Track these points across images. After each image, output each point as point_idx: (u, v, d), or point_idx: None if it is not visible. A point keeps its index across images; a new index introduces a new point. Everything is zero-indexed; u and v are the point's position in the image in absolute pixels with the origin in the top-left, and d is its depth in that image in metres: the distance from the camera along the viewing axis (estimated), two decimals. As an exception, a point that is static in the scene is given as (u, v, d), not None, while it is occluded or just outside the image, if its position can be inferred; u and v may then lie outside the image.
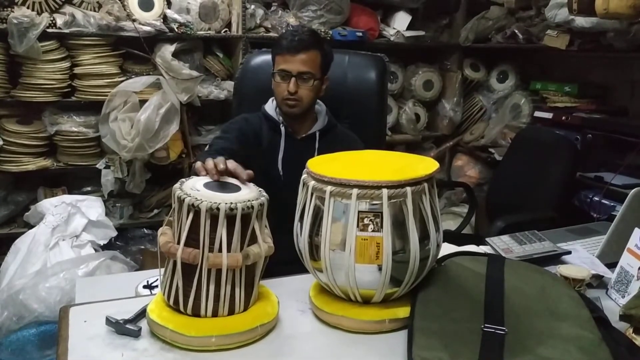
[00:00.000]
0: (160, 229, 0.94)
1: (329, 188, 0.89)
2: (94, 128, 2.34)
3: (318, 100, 1.49)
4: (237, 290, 0.89)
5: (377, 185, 0.87)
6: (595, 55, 2.55)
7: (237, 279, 0.89)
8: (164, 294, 0.93)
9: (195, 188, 0.91)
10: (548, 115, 2.53)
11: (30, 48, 2.14)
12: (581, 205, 2.18)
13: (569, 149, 2.12)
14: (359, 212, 0.87)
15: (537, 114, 2.63)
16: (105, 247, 2.15)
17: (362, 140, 1.50)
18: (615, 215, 1.23)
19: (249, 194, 0.92)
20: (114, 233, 2.22)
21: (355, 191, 0.87)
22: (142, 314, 0.94)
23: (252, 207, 0.87)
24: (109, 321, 0.90)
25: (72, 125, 2.30)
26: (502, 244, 1.29)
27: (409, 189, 0.87)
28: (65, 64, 2.28)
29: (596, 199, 2.10)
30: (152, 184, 2.54)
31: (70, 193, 2.37)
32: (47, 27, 2.17)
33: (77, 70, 2.30)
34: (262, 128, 1.46)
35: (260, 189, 0.96)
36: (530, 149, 2.25)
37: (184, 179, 0.95)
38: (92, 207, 2.13)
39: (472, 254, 1.12)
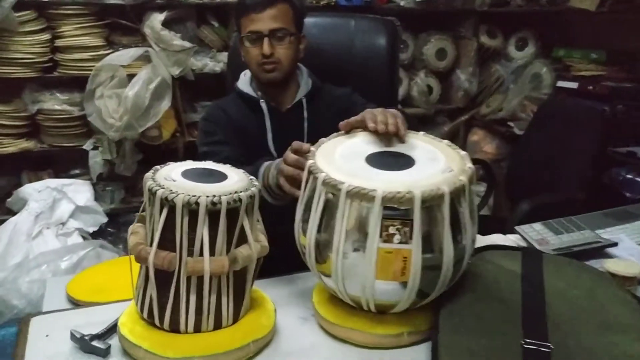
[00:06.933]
0: (131, 226, 0.81)
1: (345, 186, 0.72)
2: (79, 106, 2.27)
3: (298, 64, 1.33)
4: (223, 300, 0.78)
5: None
6: (627, 18, 2.44)
7: (223, 287, 0.78)
8: (136, 305, 0.81)
9: (170, 177, 0.79)
10: (573, 85, 2.48)
11: (5, 18, 2.04)
12: (612, 183, 2.11)
13: (597, 122, 2.01)
14: (383, 218, 0.70)
15: (560, 83, 2.59)
16: (95, 235, 2.10)
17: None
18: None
19: (236, 183, 0.79)
20: (104, 219, 2.17)
21: (380, 192, 0.69)
22: (113, 327, 0.82)
23: (240, 200, 0.75)
24: (73, 336, 0.80)
25: (54, 103, 2.23)
26: (535, 233, 1.14)
27: (446, 190, 0.70)
28: (45, 36, 2.19)
29: (629, 176, 2.05)
30: (144, 165, 2.46)
31: (56, 176, 2.32)
32: (23, -5, 2.11)
33: (58, 42, 2.23)
34: (238, 111, 1.28)
35: (251, 177, 0.84)
36: (554, 122, 2.15)
37: (158, 167, 0.83)
38: (79, 191, 2.08)
39: (503, 248, 0.99)
